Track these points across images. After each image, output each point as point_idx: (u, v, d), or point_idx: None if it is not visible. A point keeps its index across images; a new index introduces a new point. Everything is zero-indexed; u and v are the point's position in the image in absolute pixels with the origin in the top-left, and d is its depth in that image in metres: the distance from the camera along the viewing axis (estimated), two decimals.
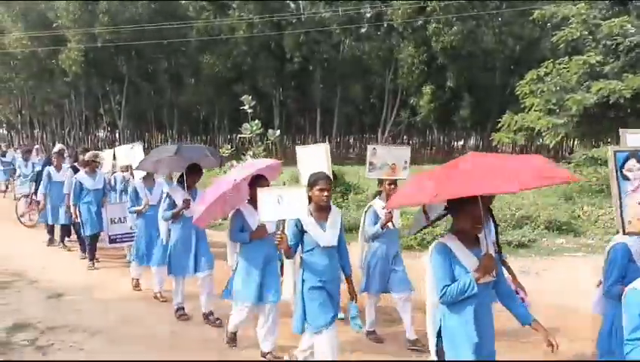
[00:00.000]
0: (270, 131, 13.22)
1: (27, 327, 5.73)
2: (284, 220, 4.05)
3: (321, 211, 4.22)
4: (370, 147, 5.67)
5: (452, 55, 35.55)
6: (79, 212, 8.58)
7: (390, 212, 5.17)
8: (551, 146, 18.26)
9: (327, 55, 38.29)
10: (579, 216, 11.36)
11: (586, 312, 5.93)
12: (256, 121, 12.96)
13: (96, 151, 9.53)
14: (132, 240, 8.08)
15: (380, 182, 5.66)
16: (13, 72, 40.68)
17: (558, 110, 15.12)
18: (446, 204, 3.17)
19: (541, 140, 17.27)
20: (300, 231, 4.19)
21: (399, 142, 51.46)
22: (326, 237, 4.16)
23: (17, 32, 36.36)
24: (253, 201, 4.66)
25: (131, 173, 8.66)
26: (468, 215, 2.97)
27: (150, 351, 5.19)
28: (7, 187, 17.36)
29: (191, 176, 5.95)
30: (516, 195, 13.28)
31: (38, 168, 12.68)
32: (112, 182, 9.18)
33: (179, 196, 5.91)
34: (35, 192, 10.87)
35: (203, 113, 46.26)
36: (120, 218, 8.40)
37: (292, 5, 41.43)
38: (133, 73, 38.98)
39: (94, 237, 8.75)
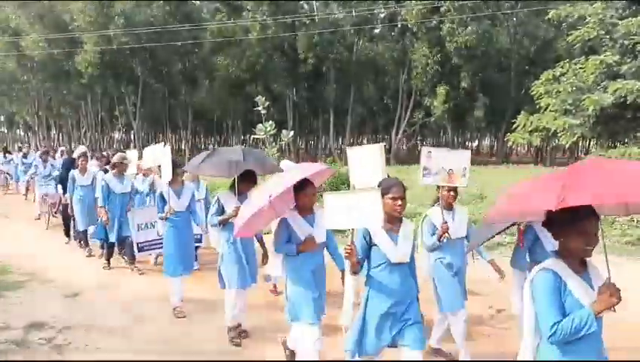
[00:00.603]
0: (284, 132, 13.27)
1: (43, 326, 5.78)
2: (352, 229, 3.63)
3: (393, 222, 3.77)
4: (424, 150, 5.09)
5: (466, 55, 35.36)
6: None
7: (446, 222, 4.82)
8: (566, 147, 18.11)
9: (341, 56, 38.27)
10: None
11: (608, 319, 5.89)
12: (270, 122, 13.02)
13: (124, 153, 9.27)
14: (161, 247, 7.79)
15: (439, 187, 5.14)
16: (30, 74, 41.19)
17: (574, 110, 14.99)
18: (545, 220, 2.66)
19: (557, 141, 17.13)
20: (368, 244, 3.74)
21: (413, 142, 51.40)
22: (398, 252, 3.70)
23: (34, 35, 36.78)
24: (300, 209, 4.37)
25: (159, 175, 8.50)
26: (581, 233, 2.50)
27: (163, 350, 5.23)
28: (27, 189, 17.44)
29: (245, 182, 5.50)
30: None
31: (55, 171, 12.70)
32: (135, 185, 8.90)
33: (230, 202, 5.45)
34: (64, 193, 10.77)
35: (217, 114, 46.50)
36: (147, 223, 7.95)
37: (305, 6, 41.49)
38: (147, 75, 39.29)
39: (117, 244, 8.49)
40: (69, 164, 10.40)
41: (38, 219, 13.01)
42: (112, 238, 8.45)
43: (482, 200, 13.35)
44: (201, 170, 5.94)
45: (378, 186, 3.77)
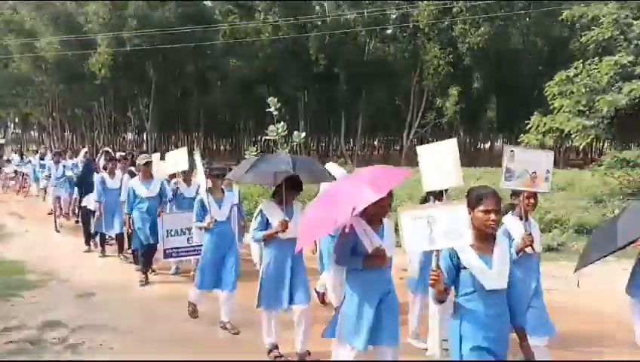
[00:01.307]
0: (295, 133, 13.28)
1: (58, 326, 5.83)
2: (436, 251, 3.06)
3: (485, 241, 3.17)
4: (507, 149, 4.48)
5: (479, 56, 35.20)
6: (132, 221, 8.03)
7: (530, 233, 4.35)
8: (580, 148, 17.97)
9: (352, 57, 38.24)
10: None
11: (619, 317, 5.84)
12: (282, 123, 13.04)
13: (147, 155, 9.13)
14: (189, 255, 7.87)
15: (515, 193, 4.68)
16: (45, 76, 41.60)
17: (588, 111, 14.86)
18: None
19: (570, 142, 16.99)
20: (456, 268, 3.18)
21: (424, 143, 51.17)
22: (493, 277, 3.11)
23: (49, 36, 37.15)
24: (370, 219, 3.85)
25: (184, 180, 8.24)
26: None
27: (176, 350, 5.26)
28: (45, 190, 17.39)
29: (291, 191, 5.00)
30: (545, 198, 13.08)
31: (69, 171, 12.77)
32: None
33: (276, 215, 4.98)
34: (81, 197, 10.48)
35: (228, 115, 46.64)
36: (177, 230, 7.73)
37: (317, 8, 41.53)
38: (160, 76, 39.50)
39: (148, 250, 8.10)
40: (90, 165, 10.26)
41: (50, 214, 13.05)
42: (137, 244, 8.16)
43: None
44: (245, 179, 5.43)
45: (469, 196, 3.24)
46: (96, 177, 9.55)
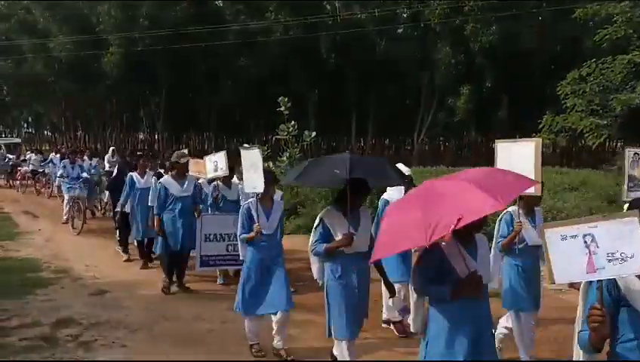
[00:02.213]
0: (306, 132, 13.32)
1: (71, 323, 5.89)
2: (599, 282, 2.27)
3: None
4: (628, 152, 3.68)
5: (490, 55, 35.01)
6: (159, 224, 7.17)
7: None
8: (593, 148, 17.81)
9: (363, 56, 38.17)
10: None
11: None
12: (292, 123, 13.07)
13: (183, 151, 8.65)
14: (227, 265, 7.39)
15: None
16: (57, 76, 41.94)
17: (601, 111, 14.74)
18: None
19: (583, 141, 16.86)
20: (616, 304, 2.41)
21: (436, 143, 51.02)
22: None
23: (62, 37, 37.46)
24: (461, 236, 3.05)
25: (224, 182, 7.66)
26: None
27: (188, 348, 5.29)
28: (59, 188, 16.35)
29: (356, 195, 4.25)
30: (557, 199, 13.00)
31: (85, 173, 12.45)
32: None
33: (340, 226, 4.30)
34: (114, 202, 9.70)
35: (239, 115, 46.74)
36: (216, 234, 7.05)
37: (328, 7, 41.51)
38: (171, 76, 39.68)
39: (178, 257, 7.32)
40: (125, 167, 9.58)
41: (66, 223, 12.34)
42: (160, 250, 7.44)
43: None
44: (299, 182, 5.12)
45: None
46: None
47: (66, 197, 12.49)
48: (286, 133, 12.97)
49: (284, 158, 12.89)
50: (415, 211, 2.80)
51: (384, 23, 37.69)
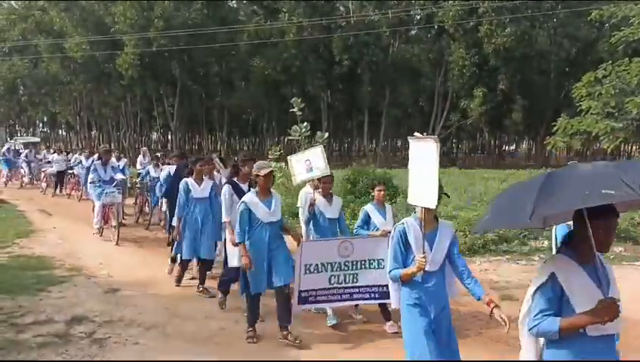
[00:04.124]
0: (318, 133, 13.34)
1: (85, 320, 5.92)
2: None
3: None
4: None
5: (504, 57, 34.84)
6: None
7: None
8: (608, 151, 17.63)
9: (376, 57, 38.16)
10: (638, 224, 10.92)
11: None
12: (305, 124, 13.09)
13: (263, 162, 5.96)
14: (333, 302, 5.73)
15: None
16: (73, 76, 42.37)
17: (616, 113, 14.57)
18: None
19: (598, 144, 16.69)
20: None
21: (449, 145, 50.80)
22: None
23: (77, 37, 37.84)
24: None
25: (322, 193, 6.16)
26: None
27: (200, 346, 5.31)
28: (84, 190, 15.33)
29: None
30: None
31: (119, 175, 11.07)
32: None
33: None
34: (171, 212, 7.97)
35: (252, 115, 46.94)
36: (317, 265, 5.60)
37: (341, 8, 41.55)
38: (185, 76, 39.96)
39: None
40: (183, 171, 7.82)
41: (97, 234, 10.87)
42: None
43: None
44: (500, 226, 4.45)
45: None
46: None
47: (97, 204, 10.76)
48: (298, 133, 13.00)
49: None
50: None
51: (398, 24, 37.62)
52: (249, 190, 5.83)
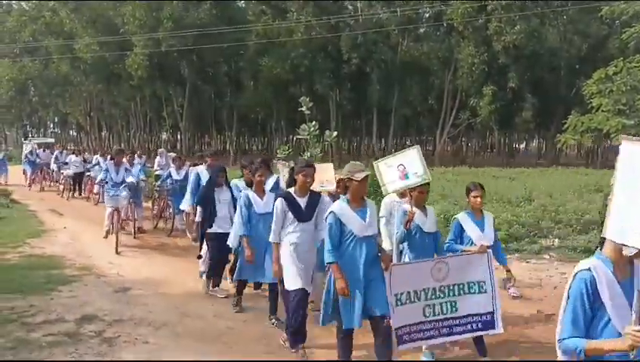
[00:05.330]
0: (327, 132, 13.31)
1: (95, 319, 5.96)
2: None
3: None
4: None
5: (514, 55, 34.64)
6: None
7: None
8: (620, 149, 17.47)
9: (385, 56, 38.06)
10: None
11: None
12: (314, 123, 13.08)
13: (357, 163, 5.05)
14: (432, 337, 4.71)
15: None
16: (83, 76, 42.66)
17: (628, 110, 14.44)
18: None
19: (609, 142, 16.56)
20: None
21: (458, 144, 50.62)
22: None
23: (87, 38, 38.09)
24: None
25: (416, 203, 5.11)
26: None
27: (208, 345, 5.32)
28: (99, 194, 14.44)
29: None
30: (582, 199, 12.81)
31: (130, 178, 10.34)
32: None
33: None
34: (210, 222, 6.98)
35: (261, 115, 47.01)
36: (409, 293, 4.57)
37: (350, 7, 41.50)
38: (194, 76, 40.10)
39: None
40: (219, 175, 7.16)
41: (106, 237, 10.34)
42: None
43: (530, 202, 13.07)
44: None
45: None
46: (238, 196, 6.56)
47: (108, 208, 10.22)
48: (307, 132, 12.99)
49: (305, 158, 12.89)
50: None
51: (406, 22, 37.52)
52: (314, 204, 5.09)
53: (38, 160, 21.29)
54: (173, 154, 14.62)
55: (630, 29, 15.14)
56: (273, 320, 5.96)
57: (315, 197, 5.14)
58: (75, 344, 5.25)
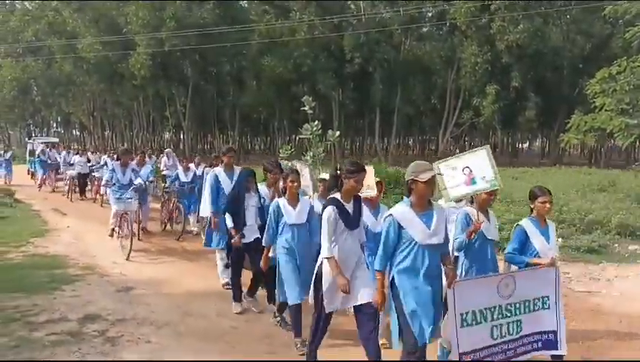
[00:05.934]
0: (330, 132, 13.28)
1: (98, 319, 5.96)
2: None
3: None
4: None
5: (517, 54, 34.59)
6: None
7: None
8: (623, 148, 17.46)
9: (388, 55, 38.05)
10: None
11: None
12: (316, 122, 13.06)
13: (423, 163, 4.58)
14: (497, 359, 4.20)
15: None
16: (86, 76, 42.72)
17: (631, 110, 14.41)
18: None
19: (613, 141, 16.52)
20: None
21: (461, 143, 50.56)
22: None
23: (90, 38, 38.14)
24: None
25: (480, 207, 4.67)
26: None
27: (211, 344, 5.33)
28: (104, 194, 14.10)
29: None
30: (586, 199, 12.78)
31: (139, 179, 9.96)
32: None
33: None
34: (239, 228, 6.20)
35: (264, 114, 47.03)
36: (475, 312, 4.12)
37: (352, 6, 41.48)
38: (197, 76, 40.12)
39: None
40: (247, 178, 6.43)
41: (112, 235, 10.05)
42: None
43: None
44: None
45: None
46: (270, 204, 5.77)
47: (114, 209, 9.89)
48: (310, 132, 12.97)
49: (308, 158, 12.89)
50: None
51: (409, 21, 37.49)
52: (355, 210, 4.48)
53: (49, 160, 20.78)
54: (169, 150, 14.38)
55: (633, 28, 15.11)
56: (278, 318, 5.84)
57: (358, 202, 4.54)
58: (77, 343, 5.26)
